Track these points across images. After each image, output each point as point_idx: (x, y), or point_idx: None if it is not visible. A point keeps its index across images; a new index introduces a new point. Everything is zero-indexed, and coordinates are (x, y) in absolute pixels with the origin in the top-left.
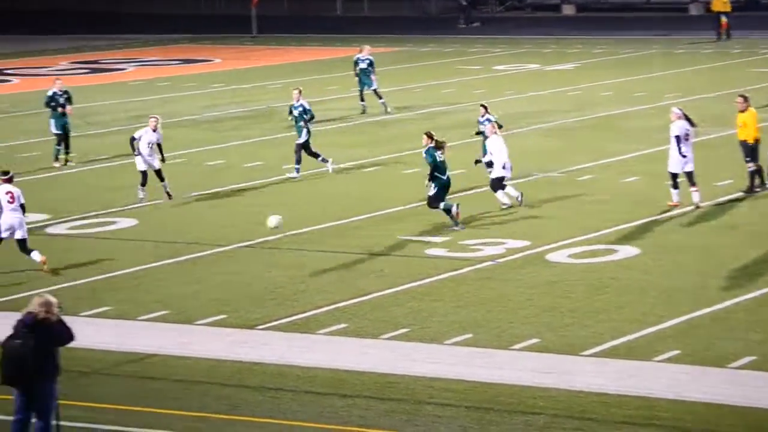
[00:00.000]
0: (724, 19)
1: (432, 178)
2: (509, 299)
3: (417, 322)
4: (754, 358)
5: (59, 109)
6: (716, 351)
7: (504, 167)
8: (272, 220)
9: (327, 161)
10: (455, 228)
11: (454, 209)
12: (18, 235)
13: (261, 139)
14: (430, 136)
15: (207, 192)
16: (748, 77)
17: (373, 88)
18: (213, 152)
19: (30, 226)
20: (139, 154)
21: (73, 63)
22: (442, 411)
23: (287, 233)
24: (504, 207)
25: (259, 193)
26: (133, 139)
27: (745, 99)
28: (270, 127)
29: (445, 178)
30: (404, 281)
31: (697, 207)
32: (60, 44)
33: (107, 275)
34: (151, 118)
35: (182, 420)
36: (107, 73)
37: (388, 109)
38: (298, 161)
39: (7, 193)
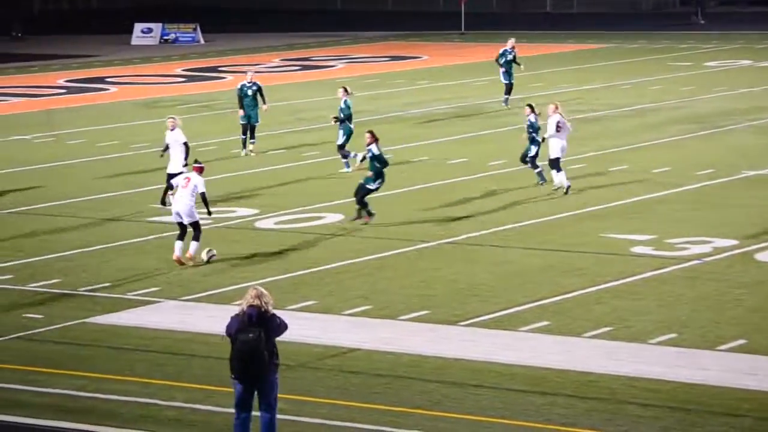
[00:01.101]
0: None
1: (380, 174)
2: (715, 299)
3: (620, 321)
4: None
5: (241, 110)
6: None
7: (562, 149)
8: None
9: (357, 155)
10: (359, 220)
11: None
12: (185, 220)
13: (466, 136)
14: (373, 135)
15: (412, 188)
16: None
17: (511, 81)
18: (418, 149)
19: (239, 220)
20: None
21: (284, 60)
22: (644, 411)
23: (491, 230)
24: (555, 188)
25: (463, 189)
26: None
27: None
28: (476, 123)
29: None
30: (608, 279)
31: None
32: (274, 42)
33: (313, 269)
34: (169, 118)
35: (384, 414)
36: (317, 70)
37: (507, 106)
38: (345, 156)
39: (185, 178)
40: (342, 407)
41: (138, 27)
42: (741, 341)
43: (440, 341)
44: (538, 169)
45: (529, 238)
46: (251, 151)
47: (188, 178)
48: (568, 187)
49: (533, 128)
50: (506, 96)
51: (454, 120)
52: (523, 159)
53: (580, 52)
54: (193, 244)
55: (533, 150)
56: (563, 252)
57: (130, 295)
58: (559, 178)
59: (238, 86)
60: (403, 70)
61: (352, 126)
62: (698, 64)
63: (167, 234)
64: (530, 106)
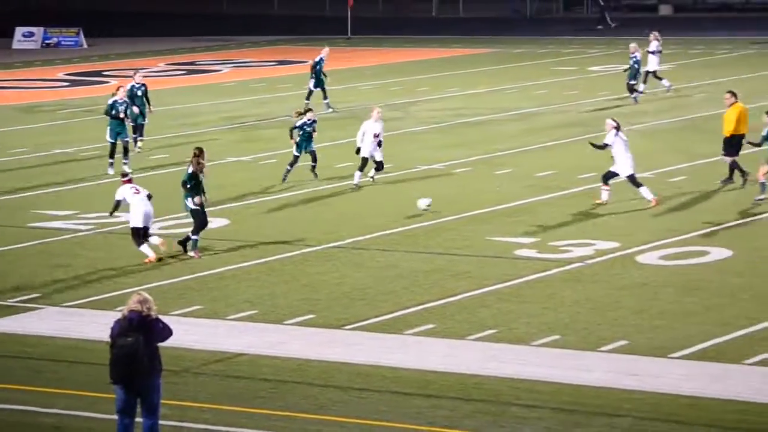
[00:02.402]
0: None
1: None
2: (597, 301)
3: (504, 323)
4: None
5: (134, 108)
6: None
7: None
8: (422, 203)
9: (111, 166)
10: (192, 254)
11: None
12: (150, 225)
13: (352, 140)
14: (197, 155)
15: (298, 192)
16: None
17: (322, 87)
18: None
19: (122, 226)
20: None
21: (169, 64)
22: (528, 412)
23: (376, 234)
24: (354, 188)
25: (349, 193)
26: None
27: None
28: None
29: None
30: (492, 282)
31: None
32: (159, 46)
33: (198, 274)
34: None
35: (269, 419)
36: (203, 75)
37: (330, 109)
38: (112, 155)
39: (131, 187)
40: (226, 412)
41: (19, 31)
42: (622, 342)
43: (325, 345)
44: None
45: (415, 241)
46: (138, 147)
47: (134, 187)
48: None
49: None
50: (325, 101)
51: (341, 124)
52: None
53: (465, 56)
54: (155, 238)
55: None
56: (448, 255)
57: (10, 302)
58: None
59: (128, 87)
60: (290, 75)
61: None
62: (582, 69)
63: (49, 240)
64: (310, 110)
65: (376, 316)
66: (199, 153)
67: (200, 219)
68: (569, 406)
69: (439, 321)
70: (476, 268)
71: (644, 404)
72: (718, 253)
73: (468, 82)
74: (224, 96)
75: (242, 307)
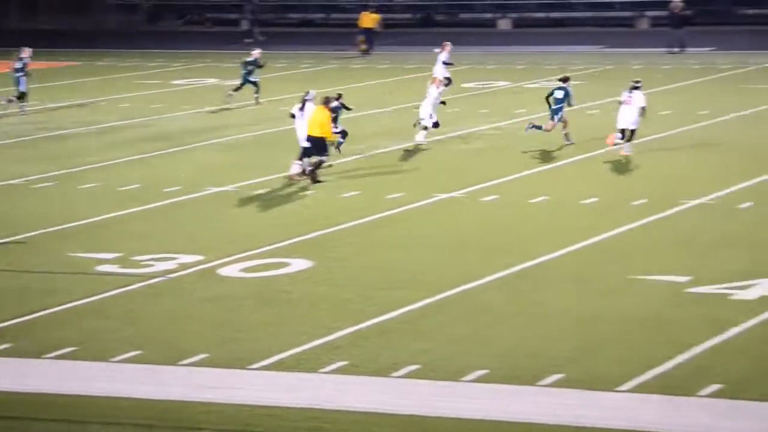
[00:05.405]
0: (362, 37)
1: None
2: (179, 315)
3: (86, 340)
4: (416, 367)
5: None
6: (382, 361)
7: None
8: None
9: None
10: None
11: None
12: None
13: None
14: None
15: None
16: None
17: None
18: None
19: None
20: None
21: None
22: (107, 429)
23: None
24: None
25: None
26: None
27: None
28: None
29: None
30: (74, 298)
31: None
32: None
33: None
34: None
35: None
36: None
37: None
38: None
39: None
40: None
41: None
42: (203, 355)
43: None
44: None
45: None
46: None
47: None
48: None
49: None
50: (22, 103)
51: None
52: None
53: (48, 69)
54: None
55: None
56: (28, 272)
57: None
58: None
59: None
60: None
61: None
62: (166, 83)
63: None
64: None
65: None
66: None
67: None
68: (149, 421)
69: (16, 340)
70: (57, 284)
71: (223, 416)
72: (298, 264)
73: (50, 95)
74: None
75: None
